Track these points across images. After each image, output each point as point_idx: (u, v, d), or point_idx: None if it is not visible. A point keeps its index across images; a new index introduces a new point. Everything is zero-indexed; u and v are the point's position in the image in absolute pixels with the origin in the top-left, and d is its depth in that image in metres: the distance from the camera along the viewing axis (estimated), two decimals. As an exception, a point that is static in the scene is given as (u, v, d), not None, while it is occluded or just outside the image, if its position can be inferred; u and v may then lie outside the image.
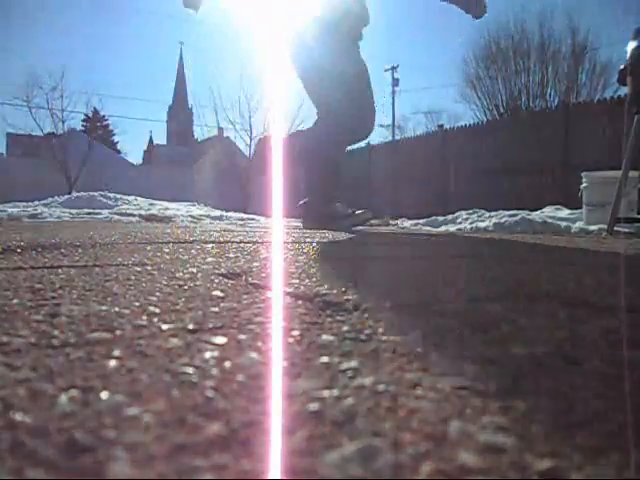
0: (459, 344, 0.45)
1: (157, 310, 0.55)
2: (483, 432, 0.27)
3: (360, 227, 3.07)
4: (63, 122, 19.26)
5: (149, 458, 0.24)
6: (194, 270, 0.89)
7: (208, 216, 4.54)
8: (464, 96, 17.59)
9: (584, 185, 4.05)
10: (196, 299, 0.63)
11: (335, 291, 0.70)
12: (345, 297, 0.66)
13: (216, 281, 0.78)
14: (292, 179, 3.12)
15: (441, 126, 10.68)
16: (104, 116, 30.34)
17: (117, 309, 0.55)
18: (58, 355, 0.39)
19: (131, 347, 0.41)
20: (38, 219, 3.65)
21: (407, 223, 4.60)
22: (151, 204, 5.54)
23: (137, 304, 0.58)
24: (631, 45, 2.92)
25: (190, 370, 0.36)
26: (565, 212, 4.58)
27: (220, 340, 0.44)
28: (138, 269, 0.89)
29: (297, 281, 0.79)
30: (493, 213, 4.29)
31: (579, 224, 3.72)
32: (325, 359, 0.40)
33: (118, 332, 0.46)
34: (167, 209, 5.08)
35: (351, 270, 1.06)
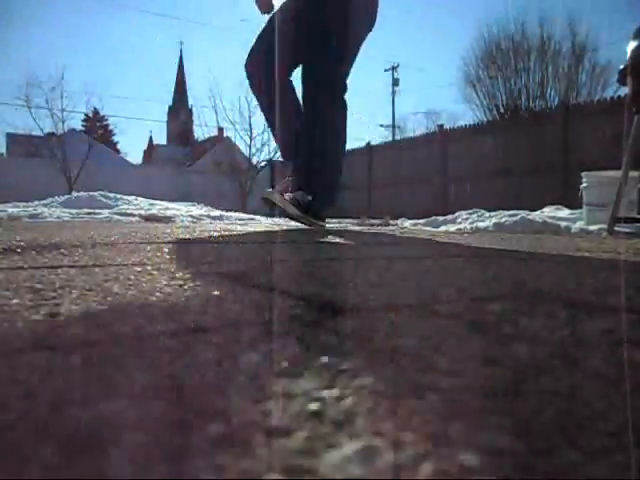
0: (459, 344, 0.45)
1: (157, 310, 0.55)
2: (483, 432, 0.27)
3: (359, 228, 3.06)
4: (63, 122, 19.23)
5: (149, 458, 0.24)
6: (194, 270, 0.89)
7: (208, 216, 4.54)
8: (464, 96, 17.59)
9: (584, 185, 4.05)
10: (196, 299, 0.63)
11: (335, 291, 0.70)
12: (345, 297, 0.66)
13: (216, 281, 0.78)
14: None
15: (441, 126, 10.69)
16: (104, 116, 30.34)
17: (117, 309, 0.55)
18: (58, 355, 0.39)
19: (131, 347, 0.41)
20: (38, 219, 3.65)
21: (407, 223, 4.60)
22: (151, 204, 5.53)
23: (137, 304, 0.58)
24: (631, 45, 2.92)
25: (190, 370, 0.36)
26: (565, 212, 4.58)
27: (220, 340, 0.44)
28: (138, 269, 0.89)
29: (297, 281, 0.79)
30: (493, 213, 4.29)
31: (579, 224, 3.72)
32: (325, 359, 0.39)
33: (118, 332, 0.46)
34: (167, 209, 5.08)
35: (351, 270, 1.06)
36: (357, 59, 2.82)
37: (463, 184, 9.50)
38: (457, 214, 4.50)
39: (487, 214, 4.30)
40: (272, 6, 2.80)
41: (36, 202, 5.12)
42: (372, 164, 11.75)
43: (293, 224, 2.81)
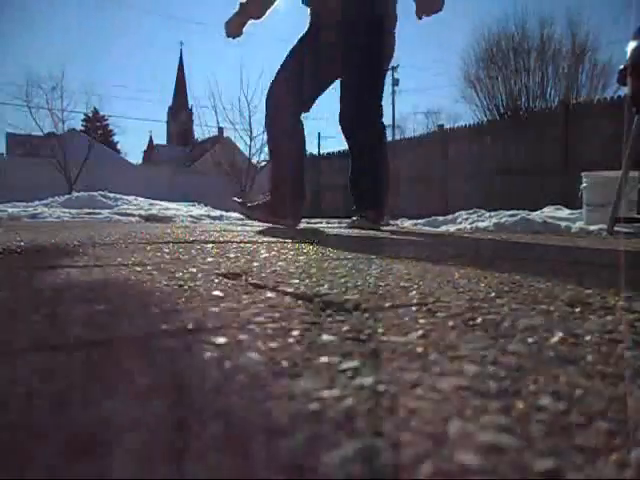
0: (459, 343, 0.45)
1: (157, 310, 0.55)
2: (483, 432, 0.27)
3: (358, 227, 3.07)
4: (63, 122, 19.23)
5: (149, 458, 0.24)
6: (194, 270, 0.89)
7: (208, 216, 4.54)
8: (464, 96, 17.59)
9: (584, 185, 4.05)
10: (196, 299, 0.63)
11: (335, 291, 0.70)
12: (345, 297, 0.66)
13: (216, 281, 0.78)
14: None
15: (441, 126, 10.68)
16: (104, 116, 30.36)
17: (117, 309, 0.55)
18: (58, 355, 0.39)
19: (131, 347, 0.41)
20: (38, 219, 3.65)
21: (407, 223, 4.61)
22: (151, 204, 5.54)
23: (137, 304, 0.58)
24: (631, 45, 2.92)
25: (190, 370, 0.36)
26: (565, 212, 4.58)
27: (220, 340, 0.44)
28: (138, 269, 0.89)
29: (297, 281, 0.79)
30: (493, 213, 4.29)
31: (579, 224, 3.72)
32: (325, 359, 0.39)
33: (118, 332, 0.46)
34: (167, 209, 5.08)
35: (351, 270, 1.06)
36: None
37: (463, 184, 9.50)
38: (457, 214, 4.50)
39: (487, 214, 4.30)
40: (241, 32, 2.87)
41: (36, 202, 5.12)
42: (372, 164, 11.72)
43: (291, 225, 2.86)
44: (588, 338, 0.48)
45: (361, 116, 2.80)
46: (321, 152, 14.22)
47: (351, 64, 2.73)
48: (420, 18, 2.69)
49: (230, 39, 2.88)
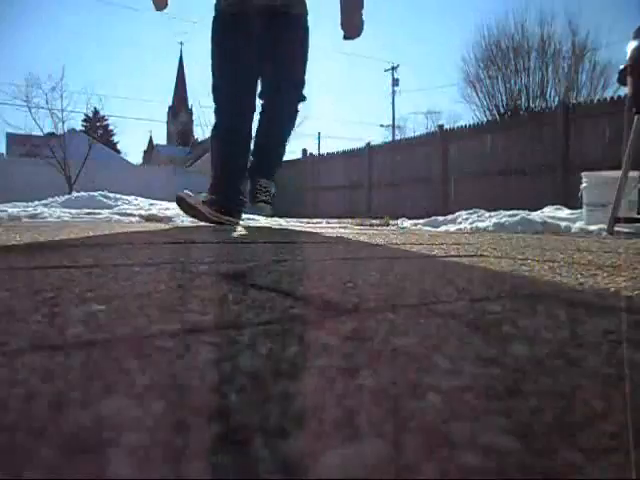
0: (459, 344, 0.45)
1: (157, 310, 0.55)
2: (483, 432, 0.27)
3: (358, 227, 3.07)
4: (63, 122, 19.21)
5: (149, 459, 0.24)
6: (194, 270, 0.89)
7: (208, 216, 4.53)
8: (464, 96, 17.61)
9: (584, 185, 4.06)
10: (196, 299, 0.62)
11: (335, 291, 0.70)
12: (345, 297, 0.66)
13: (216, 281, 0.78)
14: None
15: (441, 126, 10.67)
16: (104, 116, 30.38)
17: (117, 309, 0.55)
18: (58, 355, 0.39)
19: (131, 347, 0.41)
20: (38, 219, 3.64)
21: (407, 223, 4.61)
22: (151, 204, 5.53)
23: (137, 304, 0.58)
24: (631, 45, 2.92)
25: (190, 370, 0.36)
26: (565, 212, 4.59)
27: (220, 340, 0.44)
28: (138, 269, 0.89)
29: (297, 281, 0.79)
30: (493, 213, 4.30)
31: (579, 224, 3.73)
32: (325, 359, 0.39)
33: (118, 332, 0.46)
34: (167, 209, 5.08)
35: (350, 271, 1.06)
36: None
37: (463, 184, 9.50)
38: (457, 214, 4.50)
39: (487, 214, 4.30)
40: (166, 3, 2.99)
41: (36, 202, 5.12)
42: (372, 164, 11.72)
43: (293, 223, 2.85)
44: (589, 338, 0.48)
45: (302, 85, 3.03)
46: (321, 152, 14.23)
47: (299, 40, 2.99)
48: (345, 39, 2.98)
49: (159, 12, 3.00)
